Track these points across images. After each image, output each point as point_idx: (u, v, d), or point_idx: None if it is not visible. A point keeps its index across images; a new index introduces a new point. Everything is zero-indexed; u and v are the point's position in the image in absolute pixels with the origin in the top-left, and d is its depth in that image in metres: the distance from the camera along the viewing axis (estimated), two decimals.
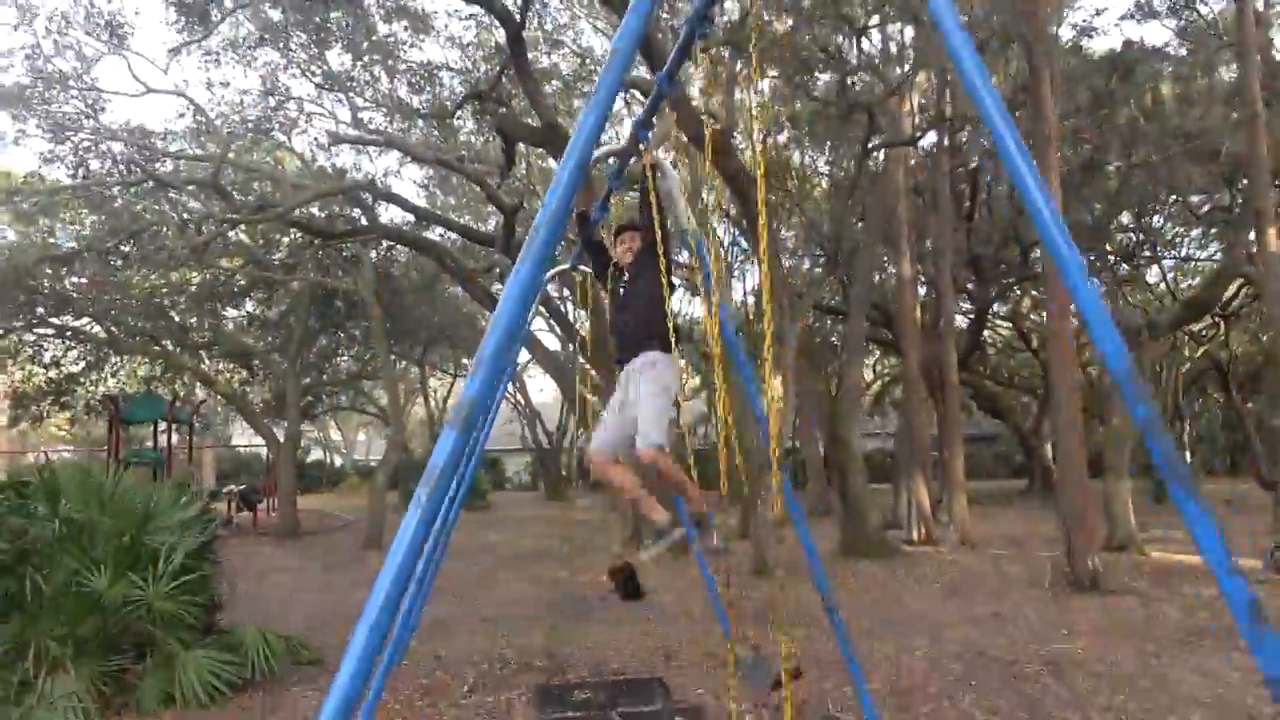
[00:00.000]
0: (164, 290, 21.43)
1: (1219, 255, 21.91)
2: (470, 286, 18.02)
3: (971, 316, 23.33)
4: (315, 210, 19.06)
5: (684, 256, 22.12)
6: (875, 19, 12.43)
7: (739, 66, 15.91)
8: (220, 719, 5.48)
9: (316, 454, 48.81)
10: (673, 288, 4.09)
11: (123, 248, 18.10)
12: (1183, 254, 26.49)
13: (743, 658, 3.77)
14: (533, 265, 1.82)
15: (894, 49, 15.43)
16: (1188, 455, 33.59)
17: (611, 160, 4.82)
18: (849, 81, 12.42)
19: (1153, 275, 28.57)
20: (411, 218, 19.96)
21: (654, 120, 4.20)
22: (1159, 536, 14.78)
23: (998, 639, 7.30)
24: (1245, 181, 14.45)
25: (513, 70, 14.23)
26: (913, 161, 16.53)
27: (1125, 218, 23.38)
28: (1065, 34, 18.04)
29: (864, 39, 13.04)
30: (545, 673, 6.60)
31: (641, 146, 4.19)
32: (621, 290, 4.39)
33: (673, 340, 4.03)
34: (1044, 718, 5.16)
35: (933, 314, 17.83)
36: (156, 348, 21.60)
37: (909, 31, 14.57)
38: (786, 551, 11.48)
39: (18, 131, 17.14)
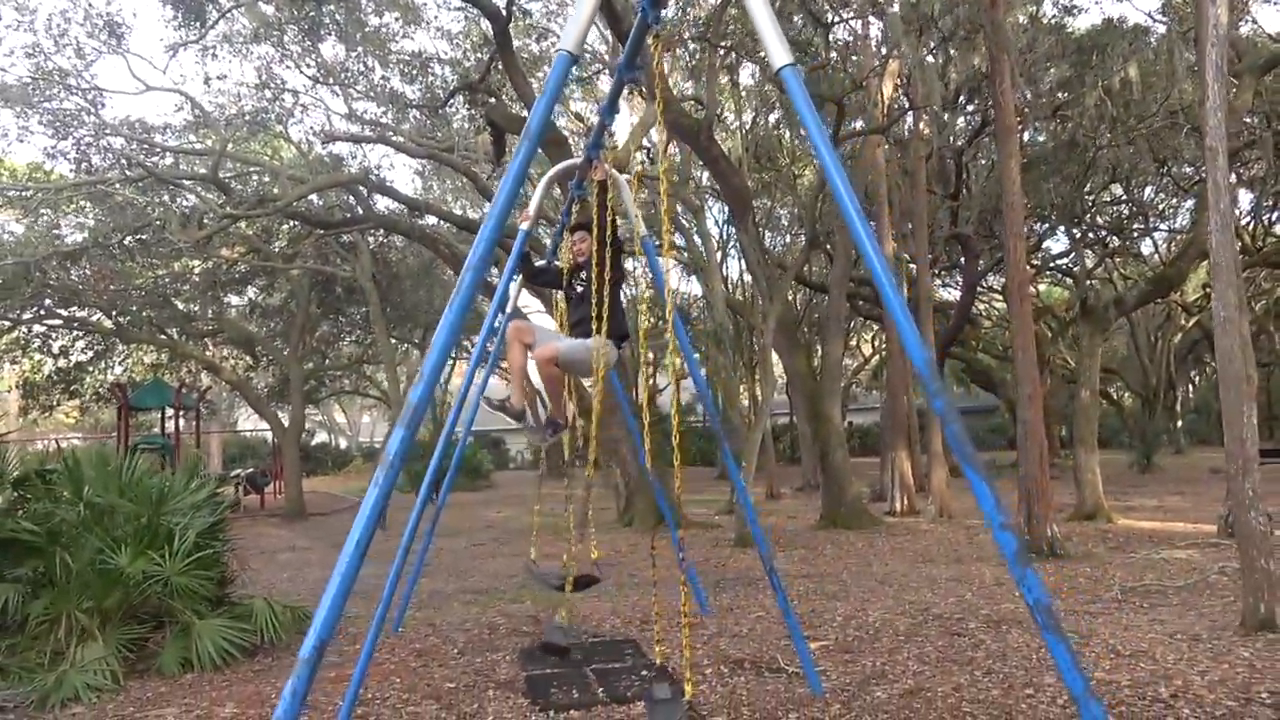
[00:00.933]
0: (167, 280, 22.01)
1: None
2: None
3: (961, 292, 23.73)
4: (315, 199, 19.54)
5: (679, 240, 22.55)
6: (843, 14, 12.86)
7: (722, 53, 16.32)
8: (233, 679, 6.09)
9: (321, 437, 49.64)
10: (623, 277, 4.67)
11: (127, 242, 18.64)
12: (1175, 225, 26.76)
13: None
14: (459, 308, 2.35)
15: (873, 39, 15.82)
16: (1176, 424, 34.13)
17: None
18: (819, 73, 12.87)
19: (1147, 247, 28.92)
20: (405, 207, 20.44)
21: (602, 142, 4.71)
22: (1132, 506, 15.37)
23: (949, 600, 7.89)
24: None
25: (500, 63, 14.67)
26: (887, 145, 16.94)
27: (1118, 190, 23.70)
28: (1048, 11, 18.42)
29: (833, 33, 13.47)
30: (531, 637, 7.19)
31: (594, 164, 4.72)
32: (579, 287, 4.94)
33: (614, 328, 4.60)
34: (969, 664, 5.73)
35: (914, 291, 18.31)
36: (162, 336, 22.20)
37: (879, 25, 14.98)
38: (765, 523, 12.01)
39: (21, 128, 17.69)
